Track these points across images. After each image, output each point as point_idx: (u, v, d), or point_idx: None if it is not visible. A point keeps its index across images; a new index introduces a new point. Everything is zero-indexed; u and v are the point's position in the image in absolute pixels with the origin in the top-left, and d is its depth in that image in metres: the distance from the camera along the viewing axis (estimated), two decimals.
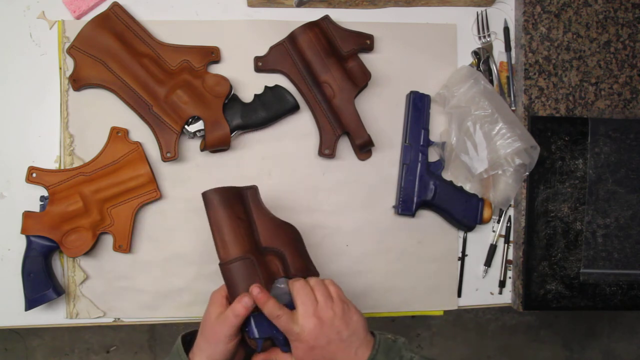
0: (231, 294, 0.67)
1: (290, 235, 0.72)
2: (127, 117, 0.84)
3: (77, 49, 0.82)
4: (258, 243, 0.70)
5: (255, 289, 0.64)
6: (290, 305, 0.64)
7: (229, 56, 0.86)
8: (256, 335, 0.64)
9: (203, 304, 0.84)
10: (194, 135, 0.83)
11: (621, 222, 0.90)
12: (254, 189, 0.73)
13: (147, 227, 0.84)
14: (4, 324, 0.84)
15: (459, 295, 0.90)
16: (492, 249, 0.91)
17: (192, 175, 0.85)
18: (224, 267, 0.67)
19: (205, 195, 0.69)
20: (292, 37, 0.84)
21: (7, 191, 0.84)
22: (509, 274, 0.91)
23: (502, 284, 0.91)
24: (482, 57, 0.90)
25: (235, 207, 0.69)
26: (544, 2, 0.89)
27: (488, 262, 0.90)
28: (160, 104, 0.81)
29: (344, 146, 0.87)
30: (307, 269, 0.71)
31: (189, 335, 0.68)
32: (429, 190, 0.86)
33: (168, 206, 0.84)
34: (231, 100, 0.83)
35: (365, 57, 0.86)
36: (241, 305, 0.63)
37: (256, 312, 0.65)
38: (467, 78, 0.85)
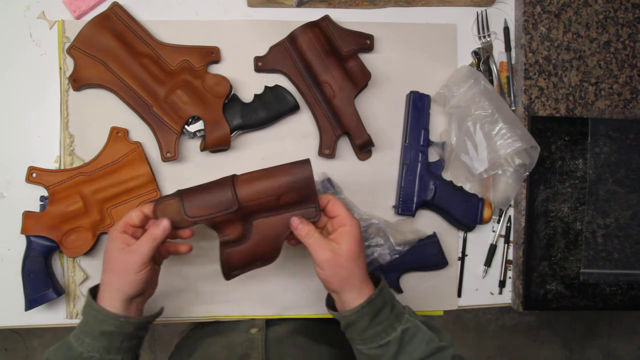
0: (194, 192, 0.67)
1: (267, 251, 0.70)
2: (127, 117, 0.84)
3: (77, 49, 0.82)
4: (254, 215, 0.68)
5: (295, 220, 0.66)
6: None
7: (229, 56, 0.86)
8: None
9: (203, 304, 0.85)
10: (194, 135, 0.83)
11: (621, 222, 0.90)
12: (315, 213, 0.69)
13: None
14: (4, 324, 0.84)
15: (459, 295, 0.90)
16: (492, 249, 0.91)
17: (192, 175, 0.85)
18: (228, 180, 0.67)
19: (306, 163, 0.67)
20: (292, 37, 0.84)
21: (7, 191, 0.84)
22: (509, 274, 0.91)
23: (502, 284, 0.91)
24: (482, 57, 0.90)
25: (290, 194, 0.67)
26: (544, 2, 0.89)
27: (488, 262, 0.90)
28: (160, 104, 0.81)
29: (344, 146, 0.87)
30: (230, 269, 0.70)
31: (96, 287, 0.67)
32: (429, 190, 0.86)
33: None
34: (231, 100, 0.84)
35: (365, 57, 0.86)
36: (160, 229, 0.64)
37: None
38: (467, 78, 0.85)
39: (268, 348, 0.75)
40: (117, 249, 0.64)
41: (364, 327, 0.63)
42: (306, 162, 0.67)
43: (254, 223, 0.69)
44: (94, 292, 0.66)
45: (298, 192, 0.67)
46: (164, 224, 0.65)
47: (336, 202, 0.67)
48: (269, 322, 0.84)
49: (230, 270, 0.70)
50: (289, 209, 0.68)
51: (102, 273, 0.65)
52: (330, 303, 0.69)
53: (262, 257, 0.70)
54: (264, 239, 0.69)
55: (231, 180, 0.67)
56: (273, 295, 0.86)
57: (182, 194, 0.67)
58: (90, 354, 0.62)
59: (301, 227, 0.65)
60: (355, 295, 0.63)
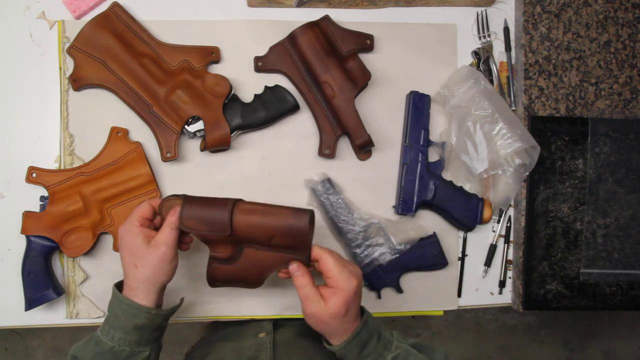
0: (198, 202, 0.68)
1: (252, 278, 0.71)
2: (127, 117, 0.84)
3: (77, 49, 0.82)
4: (245, 243, 0.69)
5: (294, 266, 0.67)
6: None
7: (229, 56, 0.86)
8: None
9: (204, 304, 0.85)
10: (194, 135, 0.83)
11: (621, 222, 0.90)
12: (304, 261, 0.69)
13: None
14: (4, 324, 0.84)
15: (459, 295, 0.90)
16: (492, 249, 0.91)
17: (192, 175, 0.85)
18: (231, 203, 0.68)
19: (311, 214, 0.67)
20: (292, 37, 0.84)
21: (7, 191, 0.84)
22: (509, 274, 0.91)
23: (502, 284, 0.91)
24: (482, 57, 0.90)
25: (282, 239, 0.68)
26: (544, 2, 0.89)
27: (488, 262, 0.90)
28: (160, 104, 0.81)
29: (344, 146, 0.87)
30: (214, 280, 0.72)
31: (120, 283, 0.70)
32: (429, 190, 0.86)
33: None
34: (231, 100, 0.83)
35: (365, 57, 0.86)
36: (175, 217, 0.66)
37: None
38: (467, 78, 0.85)
39: (276, 350, 0.76)
40: (144, 244, 0.66)
41: (354, 359, 0.66)
42: (305, 213, 0.67)
43: (244, 250, 0.70)
44: (119, 287, 0.69)
45: (290, 239, 0.67)
46: (179, 211, 0.67)
47: (328, 258, 0.67)
48: (277, 326, 0.84)
49: (214, 281, 0.72)
50: (280, 250, 0.68)
51: (129, 270, 0.66)
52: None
53: (246, 280, 0.71)
54: (251, 267, 0.70)
55: (232, 205, 0.68)
56: (274, 295, 0.86)
57: (185, 201, 0.68)
58: (122, 347, 0.65)
59: (297, 276, 0.67)
60: (339, 336, 0.66)
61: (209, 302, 0.85)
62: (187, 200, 0.68)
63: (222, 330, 0.89)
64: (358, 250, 0.85)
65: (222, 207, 0.67)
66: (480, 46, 0.91)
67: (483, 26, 0.91)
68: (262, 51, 0.86)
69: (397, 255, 0.85)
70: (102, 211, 0.81)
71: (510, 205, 0.91)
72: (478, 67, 0.90)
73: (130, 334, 0.65)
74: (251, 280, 0.71)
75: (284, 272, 0.70)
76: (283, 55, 0.85)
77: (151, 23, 0.85)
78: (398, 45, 0.89)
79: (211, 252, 0.70)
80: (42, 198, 0.82)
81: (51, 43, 0.84)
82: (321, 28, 0.84)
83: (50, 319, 0.84)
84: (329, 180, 0.85)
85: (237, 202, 0.68)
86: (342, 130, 0.84)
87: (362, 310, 0.69)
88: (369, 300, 0.87)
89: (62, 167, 0.83)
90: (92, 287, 0.84)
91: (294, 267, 0.67)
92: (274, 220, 0.67)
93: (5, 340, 1.84)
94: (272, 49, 0.86)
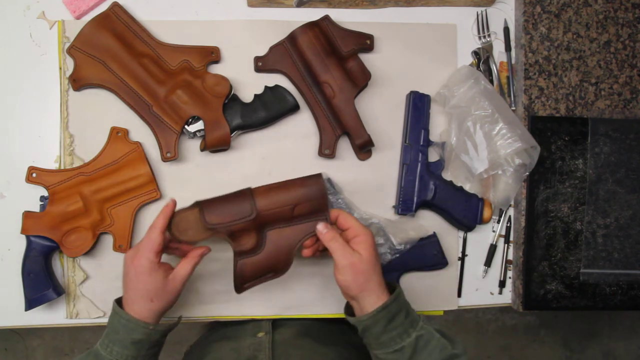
0: (213, 202, 0.71)
1: (279, 262, 0.74)
2: (127, 117, 0.84)
3: (77, 49, 0.82)
4: (268, 225, 0.72)
5: (321, 225, 0.70)
6: None
7: (229, 56, 0.86)
8: None
9: (203, 304, 0.85)
10: (194, 135, 0.83)
11: (621, 222, 0.90)
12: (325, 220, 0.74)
13: (147, 227, 0.84)
14: (4, 324, 0.84)
15: (459, 295, 0.90)
16: (492, 249, 0.91)
17: (192, 175, 0.85)
18: (247, 191, 0.72)
19: (319, 177, 0.73)
20: (292, 37, 0.84)
21: (7, 191, 0.84)
22: (509, 274, 0.91)
23: (502, 284, 0.91)
24: (482, 57, 0.90)
25: (304, 205, 0.72)
26: (544, 2, 0.89)
27: (488, 262, 0.90)
28: (160, 104, 0.81)
29: (344, 146, 0.87)
30: (242, 280, 0.73)
31: (120, 298, 0.71)
32: (429, 190, 0.86)
33: None
34: (231, 100, 0.83)
35: (365, 57, 0.86)
36: (199, 254, 0.71)
37: None
38: (467, 78, 0.85)
39: (274, 350, 0.77)
40: (163, 279, 0.68)
41: (379, 331, 0.65)
42: (319, 176, 0.73)
43: (267, 234, 0.73)
44: (119, 302, 0.70)
45: (312, 202, 0.72)
46: (203, 251, 0.72)
47: (346, 214, 0.70)
48: (276, 326, 0.84)
49: (243, 282, 0.73)
50: (302, 219, 0.72)
51: (142, 302, 0.68)
52: (348, 310, 0.72)
53: (274, 268, 0.73)
54: (276, 249, 0.73)
55: (249, 191, 0.72)
56: (273, 295, 0.86)
57: (201, 204, 0.71)
58: None
59: (327, 232, 0.69)
60: (373, 300, 0.66)
61: (209, 302, 0.85)
62: (204, 203, 0.71)
63: (221, 330, 0.90)
64: None
65: (241, 195, 0.71)
66: (480, 46, 0.91)
67: (483, 26, 0.91)
68: (262, 51, 0.86)
69: (397, 255, 0.85)
70: (102, 211, 0.81)
71: (510, 205, 0.91)
72: (478, 67, 0.90)
73: (128, 349, 0.66)
74: (279, 265, 0.73)
75: (309, 243, 0.71)
76: (283, 55, 0.85)
77: (151, 23, 0.85)
78: (398, 45, 0.89)
79: (236, 247, 0.72)
80: (42, 198, 0.82)
81: (51, 43, 0.84)
82: (321, 28, 0.84)
83: (50, 319, 0.84)
84: (329, 180, 0.85)
85: (251, 189, 0.72)
86: (342, 130, 0.84)
87: (392, 287, 0.69)
88: None
89: (62, 167, 0.83)
90: (92, 287, 0.84)
91: (321, 226, 0.70)
92: (293, 191, 0.71)
93: (5, 340, 1.84)
94: (272, 49, 0.86)
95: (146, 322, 0.67)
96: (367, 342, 0.68)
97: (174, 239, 0.71)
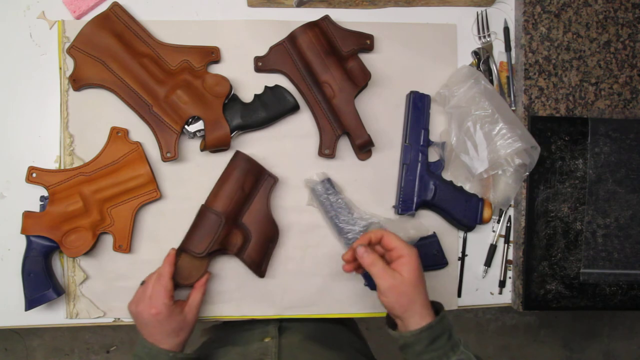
0: (189, 235, 0.80)
1: (268, 231, 0.83)
2: (127, 117, 0.84)
3: (77, 49, 0.82)
4: (239, 215, 0.82)
5: (361, 250, 0.69)
6: None
7: (229, 56, 0.86)
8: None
9: (204, 304, 0.85)
10: (194, 135, 0.83)
11: (621, 222, 0.90)
12: (273, 179, 0.84)
13: (147, 227, 0.84)
14: (4, 324, 0.84)
15: (459, 295, 0.90)
16: (492, 249, 0.91)
17: (192, 175, 0.85)
18: (203, 209, 0.80)
19: (237, 154, 0.82)
20: (292, 37, 0.84)
21: (7, 191, 0.84)
22: (509, 274, 0.91)
23: (502, 284, 0.91)
24: (482, 57, 0.90)
25: (247, 179, 0.81)
26: (544, 2, 0.89)
27: (488, 262, 0.90)
28: (160, 104, 0.81)
29: (344, 146, 0.87)
30: (257, 265, 0.83)
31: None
32: (429, 190, 0.86)
33: (168, 206, 0.85)
34: (231, 100, 0.84)
35: (365, 57, 0.86)
36: (203, 282, 0.80)
37: None
38: (467, 78, 0.85)
39: (281, 354, 0.77)
40: (180, 314, 0.75)
41: (420, 350, 0.65)
42: (238, 152, 0.82)
43: (244, 222, 0.82)
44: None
45: (250, 173, 0.81)
46: (206, 278, 0.80)
47: (391, 235, 0.70)
48: (282, 330, 0.84)
49: (259, 267, 0.83)
50: (255, 190, 0.82)
51: (169, 338, 0.74)
52: (390, 321, 0.72)
53: (269, 240, 0.83)
54: (260, 226, 0.82)
55: (204, 207, 0.80)
56: (274, 295, 0.86)
57: (182, 247, 0.80)
58: None
59: (366, 256, 0.68)
60: (417, 320, 0.66)
61: (209, 302, 0.85)
62: (183, 245, 0.80)
63: (229, 335, 0.90)
64: None
65: (202, 215, 0.80)
66: (480, 46, 0.91)
67: (483, 26, 0.91)
68: (262, 51, 0.86)
69: None
70: (102, 211, 0.81)
71: (510, 205, 0.91)
72: (478, 67, 0.90)
73: None
74: (270, 234, 0.83)
75: (349, 258, 0.71)
76: (283, 55, 0.85)
77: (151, 23, 0.85)
78: (398, 45, 0.89)
79: (232, 250, 0.81)
80: (42, 198, 0.82)
81: (51, 43, 0.84)
82: (321, 28, 0.84)
83: (50, 319, 0.84)
84: (329, 180, 0.85)
85: (203, 205, 0.81)
86: (342, 130, 0.84)
87: (438, 309, 0.69)
88: (369, 300, 0.87)
89: (62, 167, 0.83)
90: (92, 287, 0.84)
91: (361, 250, 0.69)
92: (231, 178, 0.81)
93: (5, 340, 1.84)
94: (272, 49, 0.86)
95: (167, 350, 0.73)
96: (405, 358, 0.68)
97: (182, 287, 0.80)
